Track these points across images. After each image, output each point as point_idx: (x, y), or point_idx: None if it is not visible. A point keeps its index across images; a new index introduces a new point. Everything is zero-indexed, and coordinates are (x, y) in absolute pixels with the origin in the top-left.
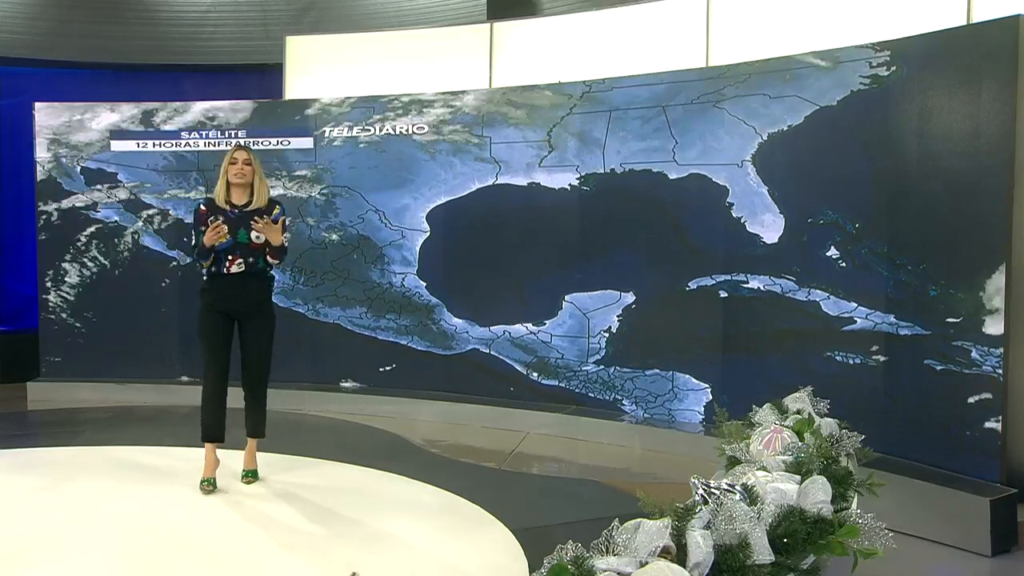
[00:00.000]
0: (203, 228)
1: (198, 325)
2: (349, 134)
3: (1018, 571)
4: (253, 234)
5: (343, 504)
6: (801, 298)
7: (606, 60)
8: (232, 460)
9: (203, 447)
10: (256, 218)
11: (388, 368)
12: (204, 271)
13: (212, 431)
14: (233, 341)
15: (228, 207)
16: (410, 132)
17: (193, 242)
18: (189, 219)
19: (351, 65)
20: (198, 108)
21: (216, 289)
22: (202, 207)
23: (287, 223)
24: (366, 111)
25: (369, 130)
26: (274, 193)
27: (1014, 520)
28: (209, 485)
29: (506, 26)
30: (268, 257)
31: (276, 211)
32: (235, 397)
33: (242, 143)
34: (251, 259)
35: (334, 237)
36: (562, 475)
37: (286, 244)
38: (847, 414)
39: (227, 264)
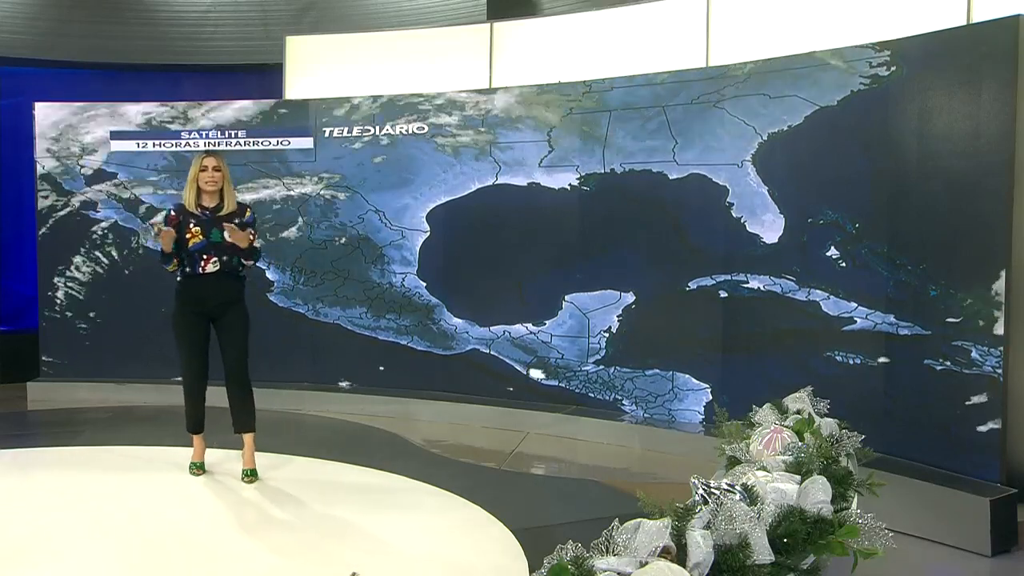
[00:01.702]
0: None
1: (174, 326)
2: (349, 134)
3: (1018, 571)
4: (226, 233)
5: (343, 504)
6: (801, 298)
7: (606, 60)
8: (232, 460)
9: (205, 446)
10: (226, 223)
11: (382, 369)
12: (178, 272)
13: (196, 424)
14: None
15: (199, 210)
16: (410, 132)
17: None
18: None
19: (351, 65)
20: (198, 108)
21: (190, 289)
22: (172, 212)
23: (254, 228)
24: (366, 111)
25: (369, 130)
26: (274, 193)
27: (1014, 520)
28: (198, 468)
29: (506, 26)
30: (242, 260)
31: (248, 214)
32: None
33: (211, 149)
34: (225, 258)
35: (334, 237)
36: (562, 475)
37: (256, 244)
38: (847, 414)
39: (202, 264)
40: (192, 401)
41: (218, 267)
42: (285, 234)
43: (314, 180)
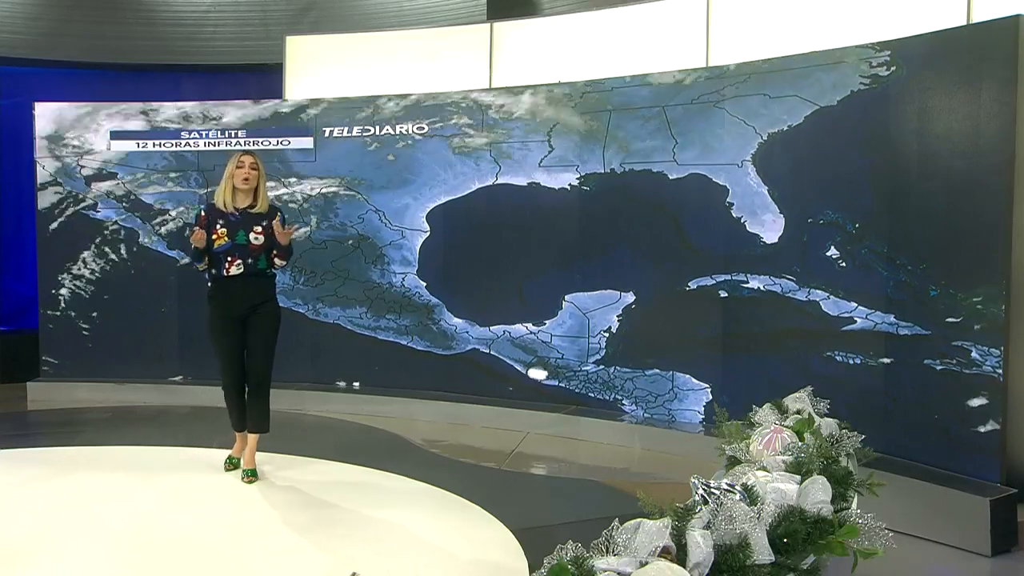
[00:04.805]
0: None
1: (208, 330)
2: (349, 134)
3: (1018, 571)
4: (252, 235)
5: (343, 504)
6: (801, 298)
7: (606, 60)
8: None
9: (205, 446)
10: (276, 226)
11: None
12: (207, 276)
13: (237, 424)
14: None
15: (231, 210)
16: (410, 132)
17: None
18: (189, 218)
19: (351, 65)
20: (198, 108)
21: (219, 292)
22: (203, 213)
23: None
24: (366, 111)
25: (369, 130)
26: (274, 193)
27: (1014, 520)
28: (230, 464)
29: (506, 26)
30: (276, 259)
31: (278, 218)
32: None
33: (247, 147)
34: (249, 260)
35: (334, 237)
36: (562, 475)
37: (291, 245)
38: (847, 414)
39: (226, 266)
40: (231, 402)
41: (242, 269)
42: (294, 235)
43: (314, 180)
